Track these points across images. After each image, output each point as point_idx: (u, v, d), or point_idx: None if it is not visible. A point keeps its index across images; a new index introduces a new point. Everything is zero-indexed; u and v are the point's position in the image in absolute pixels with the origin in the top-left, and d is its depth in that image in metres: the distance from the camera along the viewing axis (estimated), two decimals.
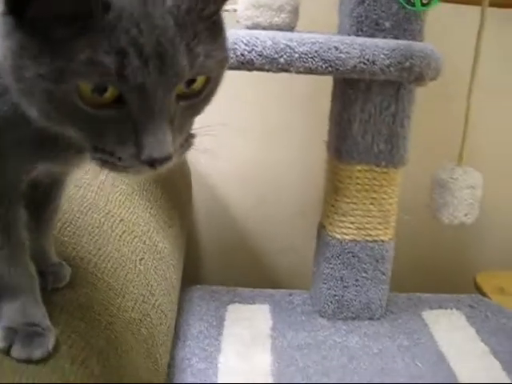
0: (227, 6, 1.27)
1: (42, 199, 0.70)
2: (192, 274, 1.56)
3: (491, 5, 1.20)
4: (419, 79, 1.05)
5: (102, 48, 0.44)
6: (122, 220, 0.97)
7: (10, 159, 0.57)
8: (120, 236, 0.92)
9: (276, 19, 1.15)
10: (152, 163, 0.48)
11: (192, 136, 0.55)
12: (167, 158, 0.48)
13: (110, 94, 0.46)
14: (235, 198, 1.67)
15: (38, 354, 0.60)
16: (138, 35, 0.44)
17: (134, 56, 0.44)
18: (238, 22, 1.17)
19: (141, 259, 0.92)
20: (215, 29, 0.52)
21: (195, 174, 1.58)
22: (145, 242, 0.98)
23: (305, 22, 1.17)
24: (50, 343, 0.61)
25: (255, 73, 1.51)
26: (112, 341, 0.72)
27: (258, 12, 1.15)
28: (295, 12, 1.17)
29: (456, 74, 1.32)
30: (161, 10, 0.46)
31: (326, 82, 1.26)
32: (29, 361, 0.59)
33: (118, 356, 0.71)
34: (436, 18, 1.19)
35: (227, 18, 1.18)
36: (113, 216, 0.96)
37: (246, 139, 1.63)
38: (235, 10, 1.20)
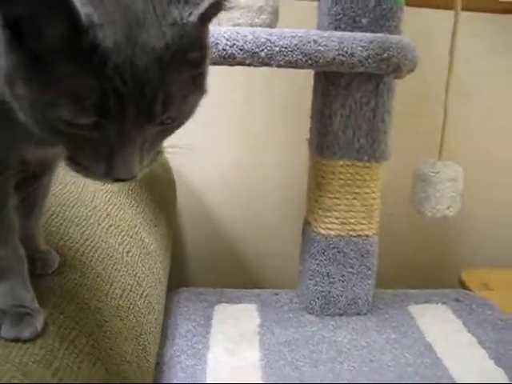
0: None
1: (32, 184, 0.71)
2: (178, 278, 1.56)
3: (464, 9, 1.25)
4: (397, 70, 1.07)
5: (87, 89, 0.46)
6: (108, 215, 0.98)
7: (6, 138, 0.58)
8: (107, 229, 0.93)
9: (256, 20, 1.17)
10: (118, 180, 0.53)
11: (160, 152, 0.58)
12: (132, 178, 0.53)
13: (89, 121, 0.49)
14: (220, 202, 1.69)
15: (26, 333, 0.60)
16: (120, 85, 0.47)
17: (114, 102, 0.47)
18: (218, 24, 1.19)
19: (128, 252, 0.93)
20: (198, 75, 0.54)
21: (179, 179, 1.59)
22: (131, 236, 0.99)
23: (284, 24, 1.19)
24: (39, 323, 0.62)
25: (237, 76, 1.55)
26: (101, 324, 0.72)
27: (239, 13, 1.17)
28: (275, 13, 1.20)
29: (434, 73, 1.35)
30: (147, 56, 0.47)
31: (307, 84, 1.28)
32: (17, 340, 0.60)
33: (106, 338, 0.72)
34: (414, 21, 1.23)
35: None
36: (99, 210, 0.96)
37: (229, 143, 1.64)
38: None
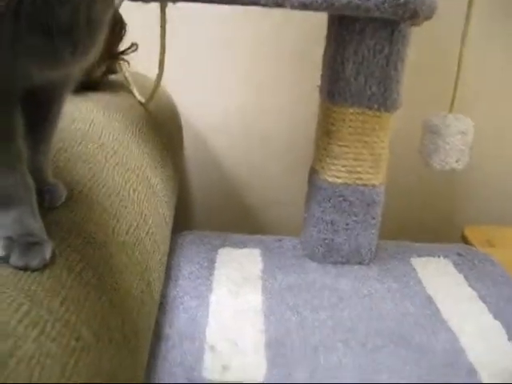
0: None
1: (40, 114, 0.70)
2: (183, 221, 1.57)
3: None
4: (414, 16, 1.05)
5: None
6: (115, 153, 0.97)
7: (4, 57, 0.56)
8: (114, 167, 0.93)
9: None
10: None
11: None
12: None
13: None
14: (226, 147, 1.68)
15: (35, 262, 0.60)
16: None
17: None
18: None
19: (134, 190, 0.93)
20: None
21: (186, 124, 1.58)
22: (138, 175, 0.99)
23: None
24: (48, 253, 0.62)
25: (247, 21, 1.52)
26: (107, 258, 0.73)
27: None
28: None
29: (451, 23, 1.33)
30: None
31: (318, 30, 1.25)
32: (26, 269, 0.60)
33: (112, 272, 0.72)
34: None
35: None
36: (106, 148, 0.96)
37: (236, 88, 1.63)
38: None
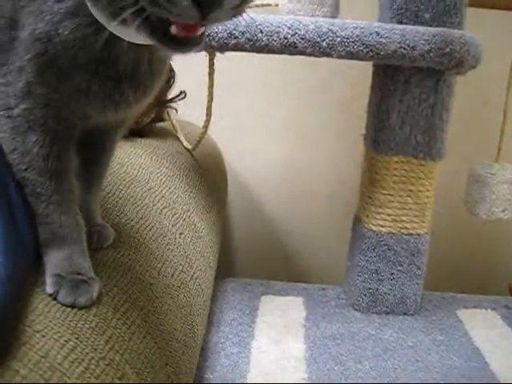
0: (269, 1, 1.30)
1: (93, 155, 0.73)
2: (225, 268, 1.57)
3: None
4: (459, 66, 1.05)
5: None
6: (162, 197, 0.99)
7: (64, 96, 0.59)
8: (161, 210, 0.94)
9: (317, 12, 1.17)
10: (201, 5, 0.46)
11: (246, 2, 0.53)
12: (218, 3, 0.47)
13: None
14: (270, 195, 1.69)
15: (82, 300, 0.62)
16: None
17: None
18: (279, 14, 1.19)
19: (180, 233, 0.94)
20: None
21: (231, 171, 1.60)
22: (184, 219, 1.00)
23: (344, 18, 1.19)
24: (95, 292, 0.63)
25: (294, 73, 1.55)
26: (152, 300, 0.74)
27: (300, 5, 1.17)
28: (336, 6, 1.20)
29: (496, 74, 1.33)
30: None
31: (363, 81, 1.27)
32: (74, 306, 0.61)
33: (157, 314, 0.73)
34: (477, 22, 1.20)
35: (269, 11, 1.22)
36: (154, 192, 0.98)
37: (282, 138, 1.65)
38: (277, 5, 1.23)
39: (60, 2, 0.56)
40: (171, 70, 1.27)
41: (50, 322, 0.57)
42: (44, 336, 0.55)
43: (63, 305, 0.61)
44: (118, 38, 0.55)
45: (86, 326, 0.60)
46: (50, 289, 0.61)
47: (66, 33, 0.56)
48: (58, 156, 0.62)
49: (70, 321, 0.59)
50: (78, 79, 0.58)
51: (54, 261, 0.64)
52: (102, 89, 0.59)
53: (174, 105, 1.35)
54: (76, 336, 0.57)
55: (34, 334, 0.54)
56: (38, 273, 0.63)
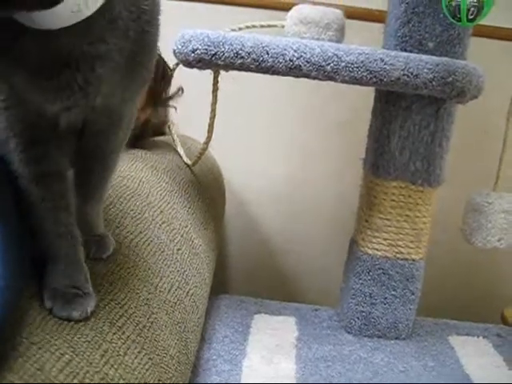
0: (275, 22, 1.32)
1: (90, 166, 0.73)
2: (220, 284, 1.57)
3: None
4: (460, 95, 1.07)
5: None
6: (162, 212, 0.99)
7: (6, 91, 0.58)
8: (160, 225, 0.95)
9: (323, 36, 1.18)
10: None
11: None
12: None
13: None
14: (267, 213, 1.70)
15: (77, 314, 0.62)
16: None
17: None
18: (285, 36, 1.20)
19: (178, 249, 0.95)
20: None
21: (229, 188, 1.61)
22: (182, 235, 1.01)
23: (349, 43, 1.20)
24: (90, 306, 0.64)
25: (293, 91, 1.56)
26: (148, 315, 0.74)
27: (306, 28, 1.19)
28: (341, 31, 1.21)
29: (496, 104, 1.34)
30: None
31: (363, 104, 1.28)
32: (68, 319, 0.61)
33: (152, 329, 0.73)
34: (478, 51, 1.22)
35: (274, 33, 1.23)
36: (153, 207, 0.98)
37: (283, 157, 1.66)
38: (283, 26, 1.24)
39: None
40: (164, 68, 1.27)
41: (47, 334, 0.57)
42: (40, 348, 0.55)
43: (59, 318, 0.61)
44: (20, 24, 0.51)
45: (82, 339, 0.60)
46: (47, 303, 0.61)
47: None
48: (38, 161, 0.62)
49: (67, 334, 0.59)
50: (7, 74, 0.56)
51: (51, 274, 0.64)
52: (31, 79, 0.55)
53: (174, 119, 1.36)
54: (72, 349, 0.58)
55: (31, 346, 0.55)
56: (36, 284, 0.64)
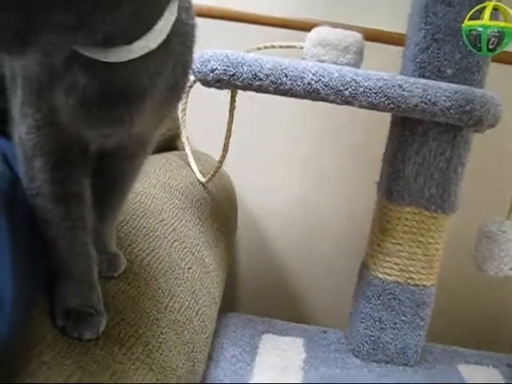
0: (294, 43, 1.32)
1: (109, 185, 0.73)
2: (229, 303, 1.57)
3: None
4: (478, 124, 1.06)
5: None
6: (174, 229, 0.99)
7: (47, 116, 0.58)
8: (171, 243, 0.95)
9: (341, 59, 1.18)
10: None
11: None
12: None
13: None
14: (278, 233, 1.69)
15: (88, 334, 0.62)
16: None
17: None
18: (303, 58, 1.20)
19: (189, 268, 0.94)
20: None
21: (242, 206, 1.61)
22: (193, 253, 1.01)
23: (367, 65, 1.20)
24: (101, 326, 0.64)
25: (308, 113, 1.57)
26: (157, 335, 0.74)
27: (324, 50, 1.19)
28: (360, 54, 1.21)
29: (510, 131, 1.34)
30: None
31: (379, 128, 1.28)
32: (80, 339, 0.61)
33: (161, 350, 0.73)
34: (497, 77, 1.22)
35: (293, 54, 1.23)
36: (166, 224, 0.98)
37: (296, 178, 1.66)
38: (302, 47, 1.24)
39: None
40: None
41: (58, 353, 0.57)
42: (50, 368, 0.55)
43: (70, 337, 0.61)
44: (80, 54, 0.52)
45: (92, 359, 0.60)
46: (59, 321, 0.61)
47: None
48: (63, 181, 0.62)
49: (77, 353, 0.59)
50: (48, 97, 0.56)
51: (63, 293, 0.64)
52: (71, 106, 0.56)
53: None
54: (81, 369, 0.58)
55: (41, 365, 0.55)
56: (48, 300, 0.64)
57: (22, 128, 0.60)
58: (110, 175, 0.73)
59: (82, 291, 0.65)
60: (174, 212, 1.05)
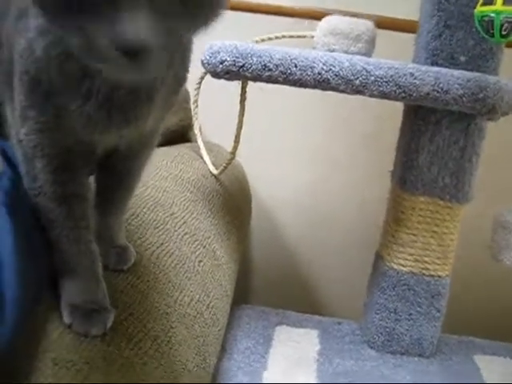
0: (304, 32, 1.31)
1: (115, 180, 0.73)
2: (242, 294, 1.57)
3: None
4: (491, 112, 1.04)
5: None
6: (184, 222, 0.99)
7: (52, 119, 0.58)
8: (182, 236, 0.94)
9: (352, 48, 1.17)
10: (127, 50, 0.45)
11: (176, 35, 0.50)
12: (143, 46, 0.45)
13: None
14: (292, 224, 1.68)
15: (95, 330, 0.62)
16: None
17: None
18: (314, 48, 1.19)
19: (199, 261, 0.94)
20: None
21: (255, 196, 1.60)
22: (204, 246, 1.00)
23: (379, 53, 1.19)
24: (108, 322, 0.64)
25: (319, 102, 1.55)
26: (167, 330, 0.73)
27: (335, 39, 1.17)
28: (372, 42, 1.19)
29: None
30: None
31: (391, 117, 1.26)
32: (86, 335, 0.61)
33: (170, 344, 0.72)
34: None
35: (304, 43, 1.22)
36: (176, 217, 0.98)
37: (309, 167, 1.65)
38: (312, 37, 1.23)
39: (36, 18, 0.54)
40: None
41: (64, 349, 0.57)
42: (57, 364, 0.55)
43: (77, 333, 0.61)
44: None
45: (99, 355, 0.60)
46: (66, 319, 0.62)
47: (39, 51, 0.55)
48: (66, 182, 0.62)
49: (83, 349, 0.59)
50: (60, 101, 0.56)
51: (69, 290, 0.64)
52: (87, 111, 0.56)
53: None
54: (89, 365, 0.57)
55: (48, 361, 0.55)
56: (53, 297, 0.64)
57: (21, 130, 0.59)
58: (117, 170, 0.73)
59: (86, 288, 0.65)
60: (185, 205, 1.05)
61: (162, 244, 0.87)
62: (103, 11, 0.45)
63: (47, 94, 0.56)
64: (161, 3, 0.46)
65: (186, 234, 0.96)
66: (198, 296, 0.87)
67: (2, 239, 0.55)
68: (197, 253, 0.95)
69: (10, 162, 0.63)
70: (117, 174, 0.73)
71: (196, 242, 0.98)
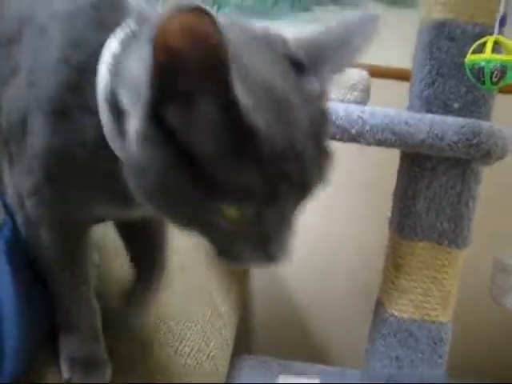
0: None
1: (145, 260, 0.75)
2: (243, 345, 1.55)
3: None
4: (486, 157, 1.06)
5: (251, 175, 0.45)
6: (184, 271, 0.99)
7: (69, 201, 0.58)
8: (182, 285, 0.94)
9: (348, 97, 1.19)
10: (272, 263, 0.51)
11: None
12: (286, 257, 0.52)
13: (253, 211, 0.47)
14: (292, 272, 1.68)
15: (94, 381, 0.62)
16: (288, 169, 0.46)
17: (283, 185, 0.46)
18: None
19: (200, 310, 0.94)
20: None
21: None
22: (205, 295, 1.00)
23: (374, 102, 1.21)
24: (108, 374, 0.64)
25: None
26: (166, 380, 0.73)
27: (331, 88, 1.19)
28: (367, 91, 1.22)
29: None
30: (302, 135, 0.47)
31: (389, 163, 1.28)
32: None
33: None
34: (506, 108, 1.21)
35: None
36: (176, 264, 0.98)
37: (307, 213, 1.65)
38: None
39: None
40: None
41: None
42: None
43: None
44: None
45: None
46: (65, 373, 0.62)
47: (64, 134, 0.54)
48: (70, 248, 0.62)
49: None
50: (82, 188, 0.56)
51: (68, 345, 0.64)
52: (106, 197, 0.57)
53: None
54: None
55: None
56: (52, 353, 0.64)
57: (29, 200, 0.58)
58: (146, 247, 0.74)
59: (86, 342, 0.65)
60: (185, 253, 1.05)
61: (161, 293, 0.86)
62: (255, 243, 0.49)
63: (68, 179, 0.56)
64: (296, 216, 0.52)
65: (186, 283, 0.96)
66: (198, 346, 0.86)
67: (2, 289, 0.56)
68: (197, 302, 0.95)
69: (9, 210, 0.63)
70: (143, 239, 0.74)
71: (196, 291, 0.97)
